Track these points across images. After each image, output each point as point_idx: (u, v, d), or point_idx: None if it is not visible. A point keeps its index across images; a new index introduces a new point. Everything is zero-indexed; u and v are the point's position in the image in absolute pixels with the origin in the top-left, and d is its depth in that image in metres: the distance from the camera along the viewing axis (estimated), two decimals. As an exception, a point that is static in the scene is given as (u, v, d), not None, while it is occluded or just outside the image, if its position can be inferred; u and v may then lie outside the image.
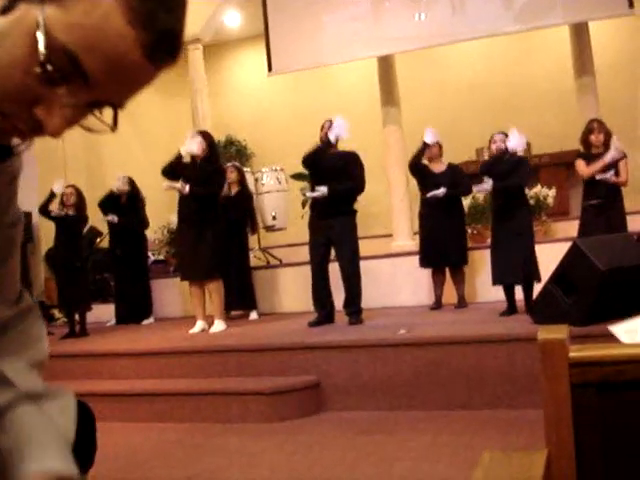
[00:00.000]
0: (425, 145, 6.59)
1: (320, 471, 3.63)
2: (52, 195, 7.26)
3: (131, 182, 7.96)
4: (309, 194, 6.03)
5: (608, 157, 5.81)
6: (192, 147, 6.29)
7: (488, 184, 5.66)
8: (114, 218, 7.72)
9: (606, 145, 6.00)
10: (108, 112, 0.86)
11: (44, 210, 7.31)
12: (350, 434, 4.30)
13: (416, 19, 8.18)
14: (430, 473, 3.42)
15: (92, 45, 0.75)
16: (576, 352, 1.41)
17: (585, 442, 1.42)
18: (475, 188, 6.17)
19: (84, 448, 2.72)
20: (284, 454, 4.00)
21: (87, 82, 0.78)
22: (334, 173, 6.04)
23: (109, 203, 7.81)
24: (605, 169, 5.85)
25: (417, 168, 6.69)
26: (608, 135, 6.04)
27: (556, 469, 1.39)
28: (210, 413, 4.84)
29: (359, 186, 6.19)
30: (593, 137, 5.97)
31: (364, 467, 3.63)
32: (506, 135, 5.88)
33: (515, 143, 5.81)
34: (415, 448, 3.87)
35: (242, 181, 7.52)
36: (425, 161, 6.69)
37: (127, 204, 7.89)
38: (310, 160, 6.16)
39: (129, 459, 4.18)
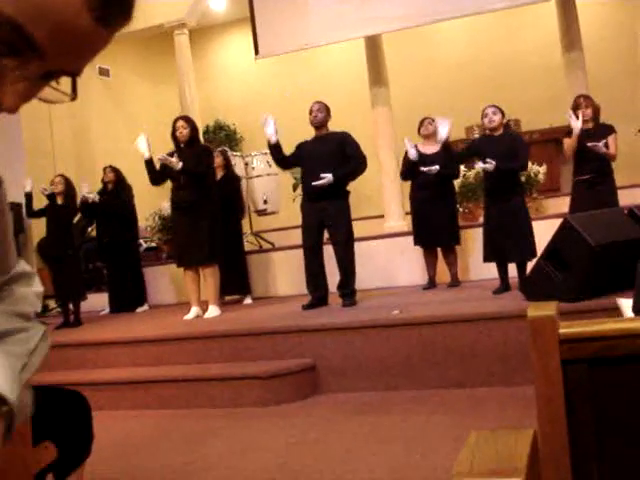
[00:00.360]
0: (407, 159, 6.62)
1: (316, 454, 3.64)
2: (28, 195, 7.27)
3: (116, 170, 7.96)
4: (315, 183, 5.94)
5: (574, 124, 5.83)
6: (140, 147, 6.35)
7: (491, 165, 5.62)
8: (95, 196, 7.73)
9: (595, 121, 5.99)
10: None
11: (31, 212, 7.33)
12: (345, 416, 4.31)
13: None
14: (425, 452, 3.43)
15: (38, 14, 0.72)
16: (566, 328, 1.41)
17: (577, 418, 1.42)
18: (478, 165, 6.09)
19: (81, 438, 2.72)
20: (281, 437, 4.01)
21: (37, 53, 0.75)
22: (330, 156, 6.02)
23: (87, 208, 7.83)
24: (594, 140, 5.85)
25: (409, 173, 6.74)
26: (596, 110, 6.03)
27: (548, 446, 1.40)
28: (206, 399, 4.85)
29: (363, 164, 6.16)
30: (580, 112, 5.95)
31: (360, 448, 3.65)
32: (498, 108, 5.84)
33: (444, 131, 5.81)
34: (410, 428, 3.89)
35: (227, 165, 7.50)
36: (412, 148, 6.62)
37: (114, 192, 7.88)
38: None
39: (125, 447, 4.18)
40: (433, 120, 5.92)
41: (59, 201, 7.10)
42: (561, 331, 1.40)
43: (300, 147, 6.30)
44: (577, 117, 5.86)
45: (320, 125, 6.16)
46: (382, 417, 4.21)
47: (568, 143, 5.97)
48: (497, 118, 5.78)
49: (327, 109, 6.22)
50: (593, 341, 1.39)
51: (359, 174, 6.19)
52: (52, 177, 7.41)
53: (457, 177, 6.91)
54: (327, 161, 5.98)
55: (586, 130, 5.92)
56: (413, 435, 3.78)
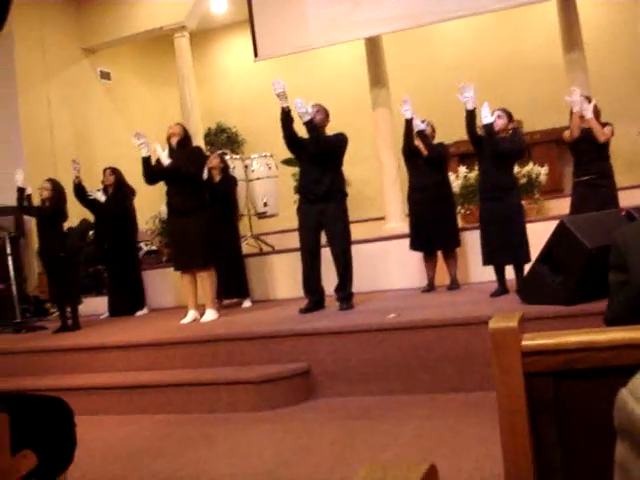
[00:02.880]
0: (408, 124, 6.54)
1: (307, 459, 3.61)
2: (20, 190, 7.26)
3: (116, 172, 7.95)
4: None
5: (576, 107, 5.84)
6: (137, 143, 6.40)
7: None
8: (102, 195, 7.75)
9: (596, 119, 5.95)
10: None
11: (21, 206, 7.32)
12: (339, 421, 4.28)
13: (394, -1, 8.09)
14: (417, 459, 3.40)
15: None
16: (529, 340, 1.38)
17: (542, 431, 1.39)
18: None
19: (62, 446, 2.69)
20: (273, 443, 3.99)
21: None
22: (327, 158, 6.00)
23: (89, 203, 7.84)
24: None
25: (411, 150, 6.61)
26: (596, 113, 5.98)
27: (511, 459, 1.37)
28: (200, 404, 4.84)
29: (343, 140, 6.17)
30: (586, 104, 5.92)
31: (352, 454, 3.62)
32: (505, 112, 5.81)
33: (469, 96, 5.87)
34: (403, 434, 3.85)
35: (225, 167, 7.48)
36: (417, 142, 6.59)
37: (114, 195, 7.88)
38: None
39: (119, 451, 4.18)
40: (505, 112, 5.83)
41: (46, 204, 7.10)
42: (524, 343, 1.37)
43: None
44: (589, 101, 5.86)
45: (319, 127, 6.11)
46: (376, 422, 4.17)
47: (568, 133, 5.96)
48: (501, 122, 5.73)
49: (326, 112, 6.19)
50: (557, 354, 1.35)
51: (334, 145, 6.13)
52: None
53: (443, 158, 6.77)
54: (323, 163, 5.97)
55: (586, 130, 5.87)
56: (406, 441, 3.75)
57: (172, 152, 6.41)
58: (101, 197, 7.84)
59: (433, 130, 6.76)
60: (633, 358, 1.28)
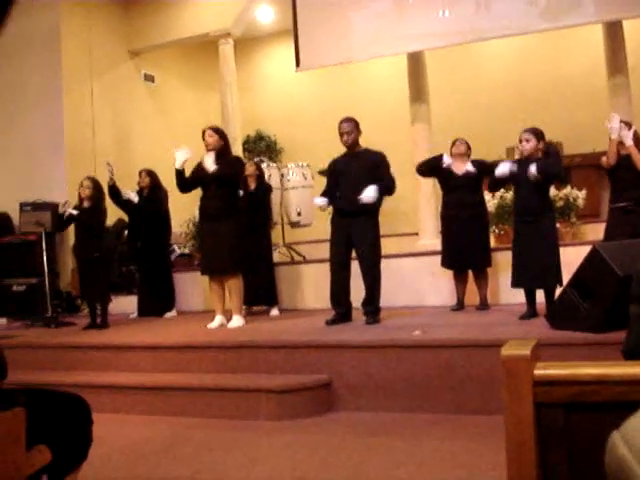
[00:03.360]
0: (439, 161, 6.57)
1: (322, 472, 3.60)
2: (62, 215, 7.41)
3: (152, 174, 8.03)
4: (362, 198, 5.90)
5: (614, 135, 5.78)
6: (178, 157, 6.48)
7: (533, 167, 5.52)
8: (135, 196, 7.85)
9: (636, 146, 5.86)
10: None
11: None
12: (357, 435, 4.26)
13: (440, 15, 8.08)
14: (432, 479, 3.37)
15: None
16: (542, 370, 1.36)
17: (551, 464, 1.37)
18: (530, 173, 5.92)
19: (77, 443, 2.71)
20: (290, 453, 3.98)
21: None
22: (364, 174, 6.00)
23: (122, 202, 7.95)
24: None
25: (427, 172, 6.76)
26: (638, 138, 5.89)
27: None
28: (221, 409, 4.85)
29: (393, 187, 6.16)
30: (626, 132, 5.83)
31: (367, 470, 3.60)
32: (534, 133, 5.67)
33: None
34: (421, 453, 3.82)
35: (260, 175, 7.51)
36: (449, 159, 6.56)
37: (149, 196, 7.96)
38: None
39: (137, 452, 4.21)
40: (534, 133, 5.67)
41: (85, 204, 7.16)
42: (536, 372, 1.35)
43: (333, 165, 6.29)
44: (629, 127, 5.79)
45: (352, 145, 6.11)
46: (394, 440, 4.14)
47: (605, 159, 5.89)
48: (529, 146, 5.57)
49: (356, 126, 6.13)
50: (569, 385, 1.33)
51: (388, 195, 6.17)
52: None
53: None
54: (361, 179, 5.97)
55: (624, 157, 5.80)
56: (423, 460, 3.71)
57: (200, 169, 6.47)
58: (134, 198, 7.92)
59: (469, 148, 6.70)
60: (646, 394, 1.25)
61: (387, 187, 6.07)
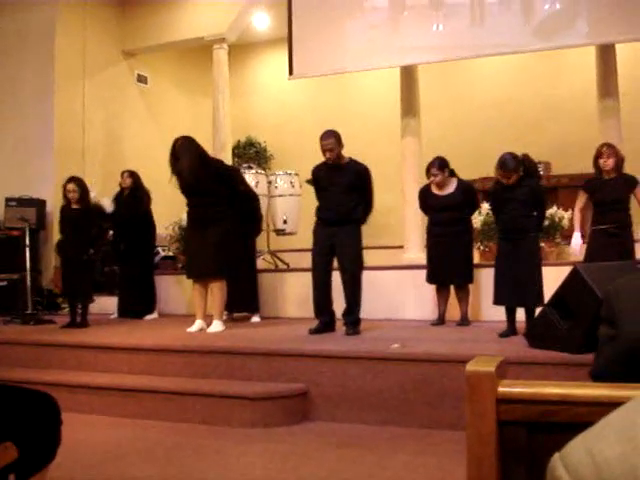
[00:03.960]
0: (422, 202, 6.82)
1: (292, 482, 3.58)
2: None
3: (134, 175, 7.99)
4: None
5: (572, 246, 6.24)
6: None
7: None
8: (110, 205, 7.84)
9: (617, 171, 5.89)
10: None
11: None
12: (331, 446, 4.24)
13: (434, 29, 8.11)
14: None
15: None
16: (506, 387, 1.35)
17: (511, 482, 1.36)
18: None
19: (45, 441, 2.68)
20: (262, 461, 3.96)
21: None
22: (347, 186, 6.00)
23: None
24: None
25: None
26: (620, 160, 5.93)
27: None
28: (195, 414, 4.82)
29: (371, 207, 6.21)
30: (602, 161, 5.87)
31: (337, 481, 3.58)
32: (512, 154, 5.68)
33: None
34: (392, 466, 3.80)
35: (240, 182, 7.47)
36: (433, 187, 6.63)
37: (128, 198, 7.92)
38: None
39: (108, 453, 4.17)
40: (512, 155, 5.69)
41: (74, 206, 7.09)
42: (500, 390, 1.34)
43: (316, 174, 6.26)
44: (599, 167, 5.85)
45: (336, 159, 6.07)
46: (367, 452, 4.12)
47: (576, 212, 6.21)
48: (513, 177, 5.58)
49: (338, 140, 6.02)
50: (532, 404, 1.32)
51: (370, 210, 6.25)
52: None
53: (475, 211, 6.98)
54: (345, 192, 5.98)
55: (607, 180, 5.84)
56: (394, 474, 3.70)
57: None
58: (108, 207, 7.88)
59: (445, 166, 6.56)
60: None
61: (371, 203, 6.16)
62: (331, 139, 5.99)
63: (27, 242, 7.97)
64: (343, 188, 5.98)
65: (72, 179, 7.17)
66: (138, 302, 7.91)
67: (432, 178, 6.45)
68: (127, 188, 7.98)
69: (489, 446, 1.32)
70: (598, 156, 5.91)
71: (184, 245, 7.51)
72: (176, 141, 6.46)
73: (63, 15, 9.97)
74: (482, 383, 1.33)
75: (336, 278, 6.14)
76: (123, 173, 8.08)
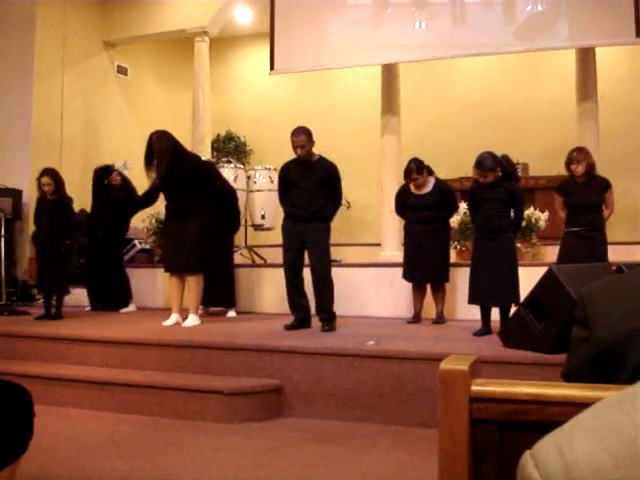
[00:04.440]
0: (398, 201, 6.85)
1: (264, 477, 3.58)
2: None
3: (122, 174, 7.96)
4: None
5: None
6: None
7: None
8: (125, 167, 7.82)
9: (588, 175, 5.98)
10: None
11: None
12: (304, 442, 4.25)
13: (416, 27, 8.13)
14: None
15: None
16: (479, 386, 1.36)
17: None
18: None
19: (16, 434, 2.66)
20: (235, 457, 3.95)
21: None
22: (316, 183, 6.00)
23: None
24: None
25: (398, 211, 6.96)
26: (590, 165, 6.01)
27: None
28: (169, 408, 4.80)
29: (339, 205, 6.30)
30: (572, 167, 6.00)
31: (309, 477, 3.58)
32: (491, 154, 5.69)
33: None
34: (366, 463, 3.82)
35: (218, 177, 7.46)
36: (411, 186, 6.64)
37: (120, 188, 7.89)
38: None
39: (81, 446, 4.14)
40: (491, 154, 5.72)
41: (49, 197, 7.00)
42: (473, 388, 1.35)
43: (285, 172, 6.25)
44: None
45: (307, 156, 6.06)
46: (341, 448, 4.13)
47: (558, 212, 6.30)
48: (490, 177, 5.58)
49: (309, 136, 6.00)
50: (504, 403, 1.33)
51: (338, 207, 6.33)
52: (56, 168, 7.36)
53: (454, 212, 7.00)
54: (315, 189, 6.00)
55: (581, 184, 5.92)
56: (367, 471, 3.71)
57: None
58: (125, 170, 7.89)
59: (422, 168, 6.53)
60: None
61: (339, 200, 6.24)
62: (302, 135, 5.98)
63: (2, 232, 7.89)
64: (314, 185, 5.98)
65: (45, 172, 7.05)
66: (112, 295, 7.85)
67: (414, 181, 6.46)
68: (117, 185, 7.90)
69: (461, 444, 1.33)
70: (569, 162, 6.01)
71: (162, 239, 7.47)
72: (152, 135, 6.44)
73: (44, 5, 9.88)
74: (455, 381, 1.34)
75: (309, 273, 6.14)
76: (114, 172, 7.95)
